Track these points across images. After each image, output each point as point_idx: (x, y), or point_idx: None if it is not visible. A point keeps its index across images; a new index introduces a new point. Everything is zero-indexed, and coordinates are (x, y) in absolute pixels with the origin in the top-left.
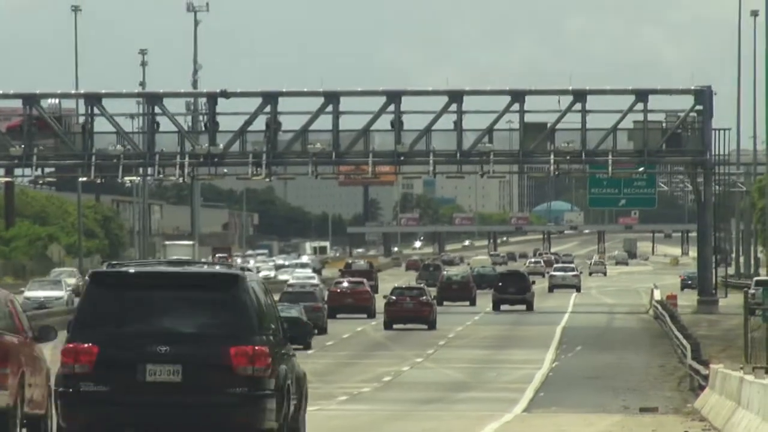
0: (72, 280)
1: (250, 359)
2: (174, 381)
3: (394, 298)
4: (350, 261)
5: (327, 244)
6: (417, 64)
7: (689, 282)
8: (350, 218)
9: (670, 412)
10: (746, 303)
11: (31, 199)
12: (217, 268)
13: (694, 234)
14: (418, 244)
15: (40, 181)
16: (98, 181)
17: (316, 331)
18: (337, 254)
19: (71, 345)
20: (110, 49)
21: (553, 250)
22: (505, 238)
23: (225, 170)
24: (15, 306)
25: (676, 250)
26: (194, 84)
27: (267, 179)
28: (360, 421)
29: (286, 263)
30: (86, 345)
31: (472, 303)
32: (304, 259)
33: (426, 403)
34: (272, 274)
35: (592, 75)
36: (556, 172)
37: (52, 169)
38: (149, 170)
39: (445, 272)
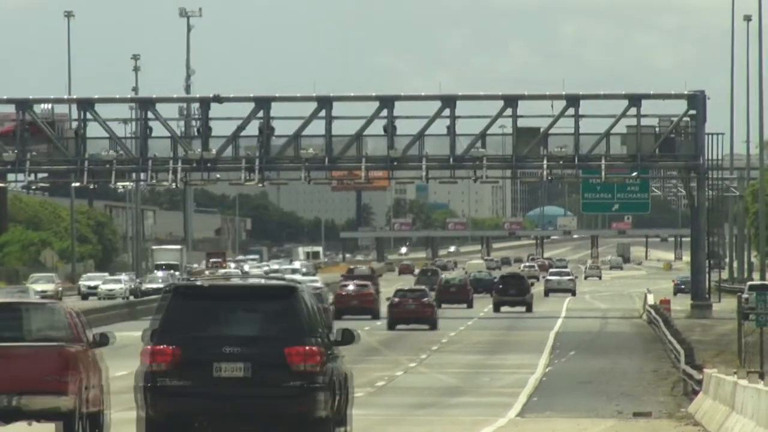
0: (49, 287)
1: (304, 357)
2: (240, 376)
3: (397, 299)
4: (352, 267)
5: (320, 249)
6: (410, 69)
7: (682, 286)
8: (343, 223)
9: (663, 416)
10: (740, 307)
11: (24, 205)
12: (275, 281)
13: (687, 239)
14: (404, 249)
15: (33, 187)
16: (91, 186)
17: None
18: (326, 260)
19: (149, 347)
20: (103, 55)
21: (546, 255)
22: (487, 245)
23: (218, 175)
24: (73, 316)
25: (670, 255)
26: (187, 89)
27: (260, 184)
28: (353, 427)
29: (281, 268)
30: (164, 347)
31: (470, 305)
32: (296, 264)
33: (420, 408)
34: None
35: (585, 80)
36: (549, 177)
37: (45, 175)
38: (142, 175)
39: (443, 276)
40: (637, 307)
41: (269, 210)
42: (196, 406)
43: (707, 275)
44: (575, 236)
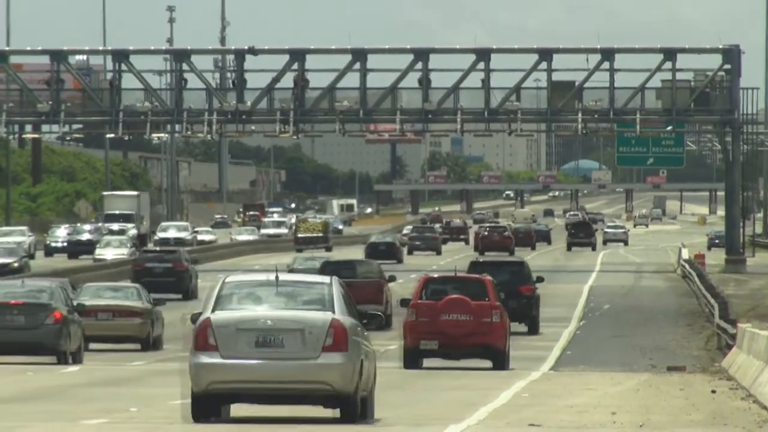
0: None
1: (527, 290)
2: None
3: (485, 233)
4: (449, 221)
5: (354, 201)
6: (443, 22)
7: (717, 241)
8: (377, 176)
9: (697, 371)
10: None
11: (58, 156)
12: (510, 258)
13: (722, 193)
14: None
15: (68, 138)
16: (126, 137)
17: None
18: (354, 213)
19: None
20: (138, 6)
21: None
22: (521, 198)
23: (252, 127)
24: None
25: (704, 209)
26: (222, 41)
27: (294, 137)
28: (389, 379)
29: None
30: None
31: (533, 248)
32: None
33: (455, 361)
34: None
35: (619, 33)
36: (584, 131)
37: (80, 126)
38: (177, 127)
39: (510, 224)
40: (671, 262)
41: (303, 162)
42: None
43: (741, 230)
44: (604, 189)
